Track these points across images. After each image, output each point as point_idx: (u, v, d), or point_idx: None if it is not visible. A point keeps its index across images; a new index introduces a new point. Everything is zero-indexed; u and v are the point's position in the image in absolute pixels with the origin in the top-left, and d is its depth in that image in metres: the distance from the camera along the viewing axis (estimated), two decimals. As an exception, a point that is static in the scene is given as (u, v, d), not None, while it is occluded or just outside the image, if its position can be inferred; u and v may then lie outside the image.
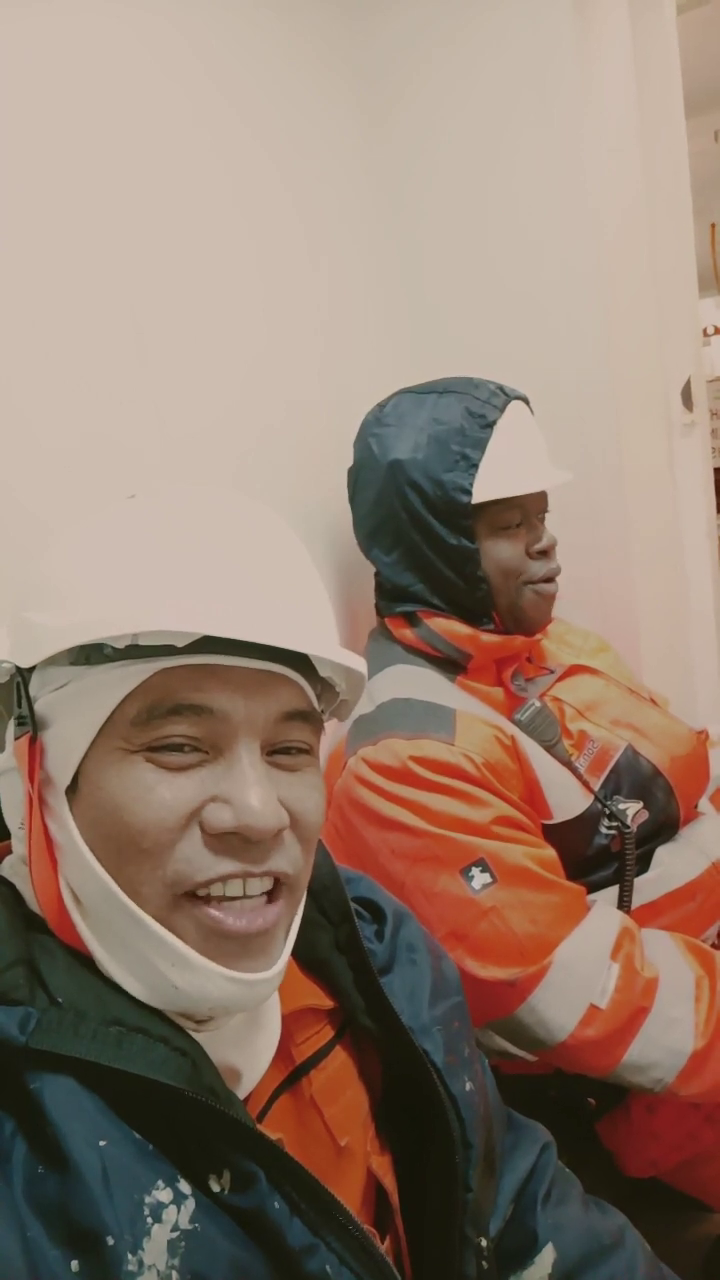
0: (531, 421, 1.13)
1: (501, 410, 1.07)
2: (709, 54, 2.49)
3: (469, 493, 1.04)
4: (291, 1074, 0.59)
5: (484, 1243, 0.60)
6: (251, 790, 0.50)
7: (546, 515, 1.14)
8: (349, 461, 1.17)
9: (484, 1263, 0.60)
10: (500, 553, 1.08)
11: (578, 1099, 1.03)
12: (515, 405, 1.10)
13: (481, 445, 1.05)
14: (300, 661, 0.54)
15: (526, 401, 1.14)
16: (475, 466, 1.04)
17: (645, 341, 1.51)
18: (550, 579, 1.11)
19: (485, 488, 1.04)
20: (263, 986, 0.51)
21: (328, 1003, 0.63)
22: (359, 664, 0.56)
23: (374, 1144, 0.62)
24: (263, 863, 0.51)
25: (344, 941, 0.65)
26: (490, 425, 1.05)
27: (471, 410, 1.06)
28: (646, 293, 1.52)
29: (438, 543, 1.07)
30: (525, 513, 1.09)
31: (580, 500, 1.42)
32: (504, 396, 1.08)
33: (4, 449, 0.83)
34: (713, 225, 4.89)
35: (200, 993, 0.49)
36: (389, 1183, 0.61)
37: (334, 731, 1.09)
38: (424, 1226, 0.61)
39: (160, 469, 1.00)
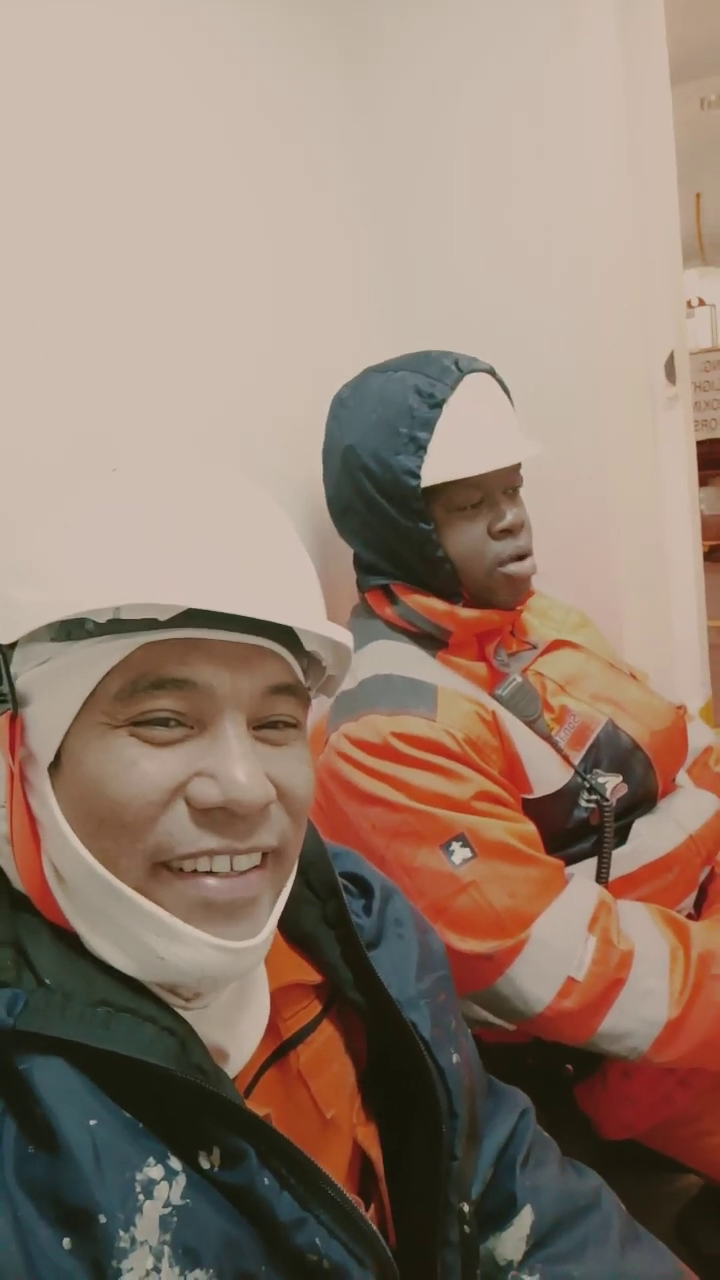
0: (494, 394, 1.09)
1: (453, 387, 1.03)
2: (695, 21, 2.45)
3: (417, 476, 1.01)
4: (279, 1048, 0.60)
5: (466, 1208, 0.62)
6: (237, 764, 0.49)
7: (516, 490, 1.10)
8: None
9: (466, 1227, 0.61)
10: (460, 533, 1.05)
11: (556, 1065, 1.05)
12: (472, 379, 1.05)
13: (430, 426, 1.01)
14: (286, 635, 0.53)
15: (492, 373, 1.10)
16: (424, 449, 1.01)
17: (629, 314, 1.50)
18: (519, 557, 1.07)
19: (434, 470, 1.01)
20: (249, 955, 0.51)
21: (315, 977, 0.64)
22: (344, 637, 0.55)
23: (359, 1115, 0.63)
24: (248, 839, 0.50)
25: (332, 916, 0.65)
26: (439, 404, 1.02)
27: (420, 389, 1.03)
28: (631, 264, 1.51)
29: (395, 526, 1.05)
30: (486, 491, 1.05)
31: (562, 474, 1.42)
32: (457, 372, 1.04)
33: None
34: (697, 195, 4.86)
35: (187, 962, 0.49)
36: (374, 1152, 0.62)
37: (316, 707, 1.09)
38: (409, 1194, 0.62)
39: (138, 441, 0.99)
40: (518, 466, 1.09)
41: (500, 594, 1.08)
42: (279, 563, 0.54)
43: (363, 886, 0.71)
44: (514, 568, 1.07)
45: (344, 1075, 0.63)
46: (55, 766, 0.51)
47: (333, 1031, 0.64)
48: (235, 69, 1.17)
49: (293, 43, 1.28)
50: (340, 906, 0.65)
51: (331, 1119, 0.60)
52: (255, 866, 0.52)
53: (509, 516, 1.06)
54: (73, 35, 0.92)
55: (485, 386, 1.08)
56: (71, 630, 0.50)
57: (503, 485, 1.07)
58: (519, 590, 1.09)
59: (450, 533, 1.05)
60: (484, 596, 1.08)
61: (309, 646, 0.56)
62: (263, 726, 0.53)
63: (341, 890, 0.66)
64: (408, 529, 1.05)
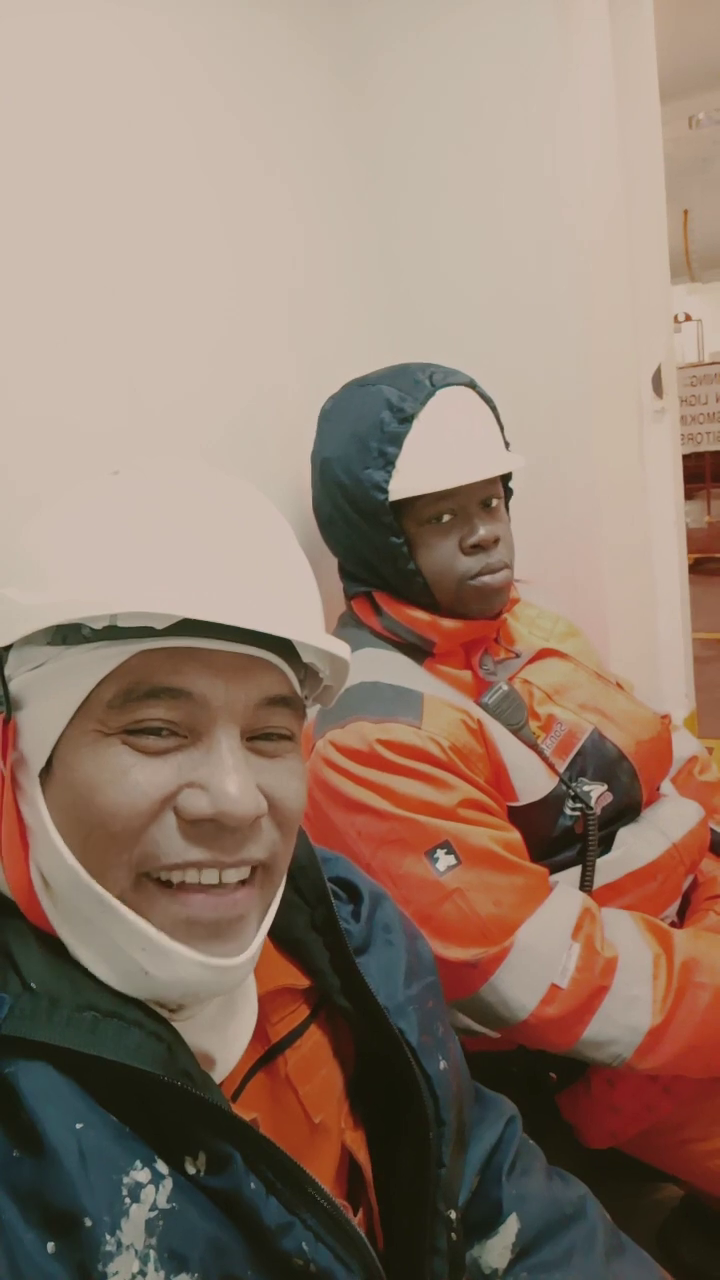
0: (471, 408, 1.08)
1: (424, 402, 1.03)
2: (684, 39, 2.49)
3: (385, 490, 1.02)
4: (267, 1053, 0.59)
5: (453, 1215, 0.62)
6: (229, 777, 0.49)
7: (493, 504, 1.08)
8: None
9: (453, 1234, 0.61)
10: (431, 548, 1.05)
11: (539, 1073, 1.05)
12: (447, 393, 1.05)
13: (399, 440, 1.02)
14: (283, 646, 0.53)
15: (473, 385, 1.10)
16: (392, 463, 1.01)
17: (620, 328, 1.52)
18: (488, 572, 1.06)
19: (401, 484, 1.02)
20: (234, 973, 0.50)
21: (304, 982, 0.64)
22: (343, 650, 0.55)
23: (348, 1120, 0.63)
24: (236, 852, 0.50)
25: (321, 922, 0.65)
26: (410, 419, 1.02)
27: (392, 403, 1.03)
28: (622, 279, 1.52)
29: (368, 539, 1.06)
30: (459, 504, 1.05)
31: (553, 486, 1.43)
32: (429, 387, 1.04)
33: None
34: (684, 212, 4.92)
35: (171, 978, 0.49)
36: (362, 1158, 0.62)
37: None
38: (396, 1200, 0.62)
39: (133, 448, 0.99)
40: (495, 480, 1.08)
41: (472, 607, 1.08)
42: (279, 573, 0.54)
43: (352, 892, 0.71)
44: (484, 580, 1.06)
45: (332, 1080, 0.63)
46: (46, 772, 0.51)
47: (321, 1036, 0.63)
48: (236, 89, 1.18)
49: (294, 65, 1.29)
50: (329, 913, 0.65)
51: (320, 1124, 0.60)
52: (244, 881, 0.51)
53: (481, 531, 1.06)
54: (75, 71, 0.94)
55: (461, 400, 1.08)
56: (68, 635, 0.50)
57: (477, 499, 1.06)
58: (491, 601, 1.09)
59: (422, 547, 1.05)
60: (457, 610, 1.08)
61: (306, 658, 0.56)
62: (256, 738, 0.53)
63: (331, 897, 0.66)
64: (379, 543, 1.05)
